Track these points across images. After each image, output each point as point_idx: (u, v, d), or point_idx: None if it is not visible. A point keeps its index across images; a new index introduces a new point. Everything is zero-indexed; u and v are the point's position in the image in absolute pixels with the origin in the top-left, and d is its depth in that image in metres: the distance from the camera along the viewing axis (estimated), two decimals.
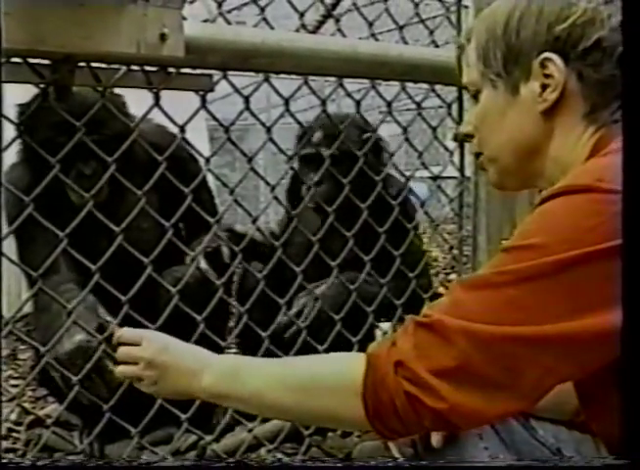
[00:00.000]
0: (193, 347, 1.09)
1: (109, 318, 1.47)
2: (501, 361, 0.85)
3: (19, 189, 1.37)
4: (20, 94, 1.43)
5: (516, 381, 0.86)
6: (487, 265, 0.93)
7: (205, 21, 1.52)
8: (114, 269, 1.34)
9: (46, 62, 1.22)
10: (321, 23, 2.25)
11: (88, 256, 1.34)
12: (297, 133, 2.05)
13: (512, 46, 1.00)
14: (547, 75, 0.98)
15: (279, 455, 1.63)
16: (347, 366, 0.93)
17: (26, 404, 2.18)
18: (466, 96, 1.86)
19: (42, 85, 1.24)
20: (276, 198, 1.59)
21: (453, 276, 3.00)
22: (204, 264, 1.66)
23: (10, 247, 1.31)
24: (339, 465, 0.97)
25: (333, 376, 0.94)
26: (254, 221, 1.57)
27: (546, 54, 0.98)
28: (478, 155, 1.10)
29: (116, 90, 1.52)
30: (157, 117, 1.46)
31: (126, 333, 1.09)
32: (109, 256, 1.32)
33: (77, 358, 1.40)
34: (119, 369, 1.08)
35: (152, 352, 1.05)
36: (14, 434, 1.98)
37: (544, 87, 0.99)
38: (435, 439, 1.05)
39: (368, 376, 0.89)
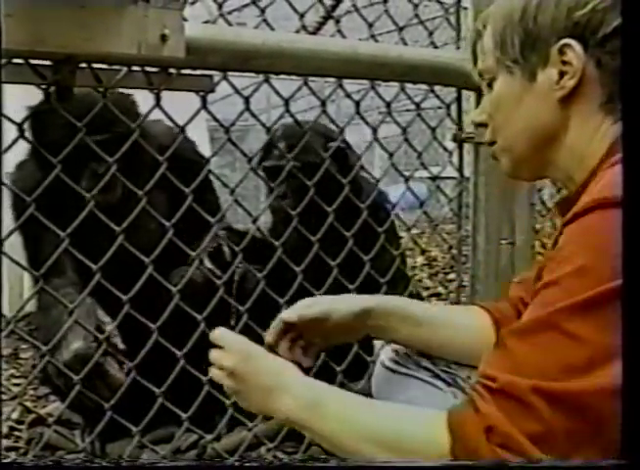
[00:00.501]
0: (276, 360, 1.05)
1: (107, 320, 1.47)
2: (584, 416, 0.81)
3: (27, 187, 1.36)
4: (20, 95, 1.44)
5: (604, 429, 0.81)
6: (537, 302, 0.87)
7: (206, 22, 1.53)
8: (123, 270, 1.34)
9: (47, 63, 1.23)
10: (321, 24, 2.26)
11: (97, 256, 1.33)
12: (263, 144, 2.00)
13: (529, 32, 0.98)
14: (565, 62, 0.96)
15: (279, 454, 1.63)
16: (433, 431, 0.87)
17: (28, 403, 2.19)
18: (465, 97, 1.86)
19: (43, 86, 1.25)
20: (276, 198, 1.60)
21: (452, 276, 3.01)
22: (209, 264, 1.66)
23: (11, 246, 1.32)
24: (341, 465, 0.96)
25: (418, 439, 0.89)
26: (255, 221, 1.58)
27: (565, 40, 0.96)
28: (491, 143, 1.08)
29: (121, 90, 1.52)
30: (158, 117, 1.46)
31: (215, 334, 1.06)
32: (113, 256, 1.31)
33: (76, 366, 1.40)
34: (211, 371, 1.06)
35: (233, 361, 1.02)
36: (15, 432, 1.99)
37: (562, 74, 0.97)
38: None
39: (457, 445, 0.85)
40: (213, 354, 1.05)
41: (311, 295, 1.41)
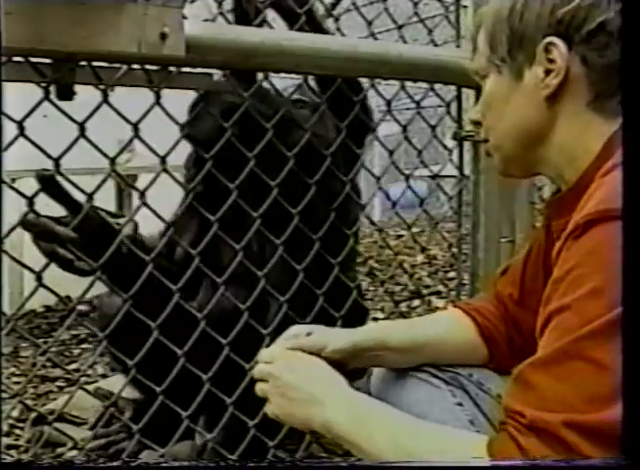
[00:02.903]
0: (323, 370, 1.04)
1: None
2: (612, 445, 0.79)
3: None
4: (19, 93, 1.44)
5: None
6: (554, 330, 0.85)
7: (206, 20, 1.53)
8: None
9: (47, 61, 1.23)
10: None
11: None
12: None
13: (516, 30, 0.98)
14: (551, 60, 0.95)
15: (279, 452, 1.63)
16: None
17: (28, 401, 2.19)
18: (465, 95, 1.86)
19: (43, 84, 1.25)
20: (279, 195, 1.58)
21: (452, 274, 3.01)
22: None
23: (12, 244, 1.32)
24: (340, 465, 0.96)
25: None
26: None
27: (549, 38, 0.95)
28: (486, 141, 1.09)
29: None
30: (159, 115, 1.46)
31: (264, 352, 1.06)
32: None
33: None
34: (256, 386, 1.05)
35: (279, 370, 1.01)
36: (16, 431, 1.99)
37: (548, 72, 0.96)
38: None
39: None
40: (258, 367, 1.04)
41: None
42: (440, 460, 0.88)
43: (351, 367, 1.20)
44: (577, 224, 0.85)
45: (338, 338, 1.16)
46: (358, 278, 1.88)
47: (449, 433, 0.96)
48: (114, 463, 1.20)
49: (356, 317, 1.69)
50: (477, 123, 1.10)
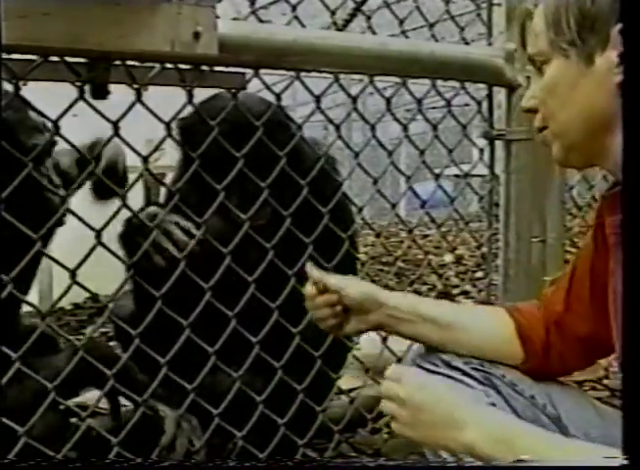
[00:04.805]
0: (452, 391, 1.03)
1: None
2: None
3: None
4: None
5: None
6: None
7: (235, 19, 1.53)
8: None
9: (82, 60, 1.24)
10: (348, 20, 2.26)
11: None
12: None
13: (587, 12, 0.93)
14: None
15: (308, 451, 1.63)
16: None
17: None
18: (495, 93, 1.85)
19: (78, 83, 1.26)
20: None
21: (480, 274, 2.99)
22: None
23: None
24: (341, 465, 0.94)
25: None
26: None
27: None
28: (541, 129, 1.05)
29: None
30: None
31: (390, 370, 1.04)
32: None
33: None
34: (382, 404, 1.03)
35: (407, 390, 0.99)
36: None
37: (622, 57, 0.90)
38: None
39: None
40: (385, 385, 1.02)
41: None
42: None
43: (371, 325, 1.27)
44: None
45: (356, 286, 1.28)
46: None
47: (597, 450, 0.91)
48: (115, 463, 1.19)
49: None
50: (530, 111, 1.05)
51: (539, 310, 1.27)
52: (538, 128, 1.06)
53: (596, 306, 1.17)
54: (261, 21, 1.46)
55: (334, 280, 1.27)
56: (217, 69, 1.41)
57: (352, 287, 1.27)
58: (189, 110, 1.41)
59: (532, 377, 1.24)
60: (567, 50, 0.97)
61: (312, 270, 1.29)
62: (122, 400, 1.47)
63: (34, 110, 1.35)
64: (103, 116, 1.30)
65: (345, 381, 1.82)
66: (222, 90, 1.50)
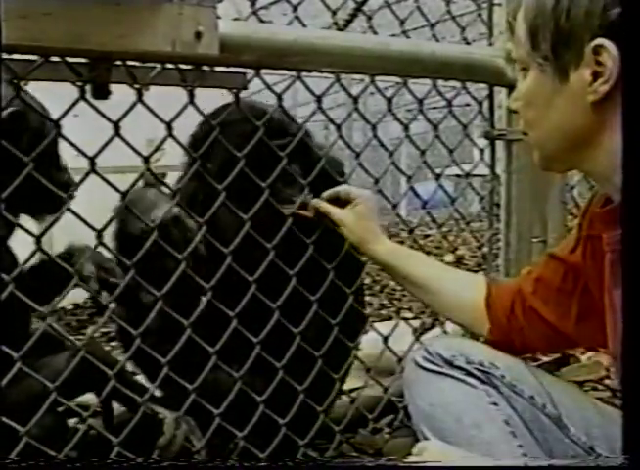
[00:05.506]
0: (466, 456, 1.02)
1: None
2: None
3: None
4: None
5: None
6: None
7: (236, 19, 1.53)
8: None
9: (83, 60, 1.24)
10: (349, 21, 2.26)
11: None
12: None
13: (562, 27, 0.91)
14: (600, 63, 0.89)
15: (309, 451, 1.63)
16: None
17: None
18: (496, 93, 1.85)
19: (79, 83, 1.25)
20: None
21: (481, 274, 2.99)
22: None
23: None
24: (340, 465, 0.93)
25: None
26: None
27: (599, 40, 0.88)
28: (525, 133, 1.05)
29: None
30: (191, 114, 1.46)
31: (417, 447, 1.02)
32: None
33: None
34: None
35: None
36: None
37: (596, 76, 0.90)
38: None
39: None
40: (411, 459, 1.00)
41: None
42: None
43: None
44: None
45: (354, 225, 1.50)
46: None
47: None
48: (115, 463, 1.19)
49: (352, 323, 1.68)
50: (516, 112, 1.05)
51: (514, 284, 1.33)
52: (522, 132, 1.06)
53: (562, 301, 1.21)
54: (262, 21, 1.46)
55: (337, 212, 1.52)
56: (218, 69, 1.41)
57: (350, 225, 1.50)
58: (199, 119, 1.41)
59: (499, 350, 1.28)
60: (542, 64, 0.95)
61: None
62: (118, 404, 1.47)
63: (35, 110, 1.35)
64: (104, 116, 1.30)
65: (346, 381, 1.82)
66: (230, 101, 1.47)
